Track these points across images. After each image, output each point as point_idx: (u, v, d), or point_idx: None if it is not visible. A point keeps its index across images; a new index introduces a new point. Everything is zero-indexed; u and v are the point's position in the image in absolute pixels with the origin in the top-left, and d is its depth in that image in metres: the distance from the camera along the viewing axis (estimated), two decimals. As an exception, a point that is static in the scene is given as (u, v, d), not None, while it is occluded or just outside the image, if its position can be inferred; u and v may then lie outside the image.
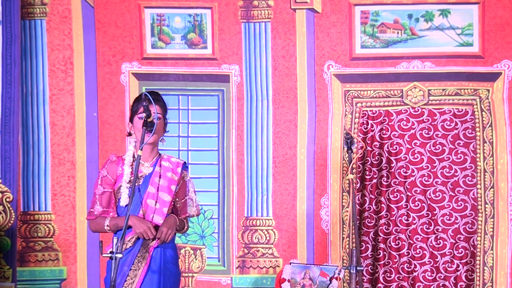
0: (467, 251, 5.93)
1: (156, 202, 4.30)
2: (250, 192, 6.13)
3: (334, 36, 6.11)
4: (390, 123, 6.02)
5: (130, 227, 4.21)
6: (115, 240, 3.92)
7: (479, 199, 5.92)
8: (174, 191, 4.37)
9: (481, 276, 5.92)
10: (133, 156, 4.34)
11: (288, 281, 5.44)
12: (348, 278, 4.24)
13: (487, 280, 5.91)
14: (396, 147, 6.00)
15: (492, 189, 5.91)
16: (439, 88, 6.00)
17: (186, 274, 6.18)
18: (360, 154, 5.95)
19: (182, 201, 4.46)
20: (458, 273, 5.93)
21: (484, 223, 5.92)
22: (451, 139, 5.96)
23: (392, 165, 5.99)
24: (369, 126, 6.03)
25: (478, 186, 5.93)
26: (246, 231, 6.15)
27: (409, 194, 5.96)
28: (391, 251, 5.97)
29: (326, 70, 6.11)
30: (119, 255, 3.89)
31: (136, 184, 4.27)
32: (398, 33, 6.08)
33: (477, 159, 5.93)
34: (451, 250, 5.94)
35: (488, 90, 5.95)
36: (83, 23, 6.21)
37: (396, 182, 5.98)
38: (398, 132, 6.01)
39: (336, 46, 6.11)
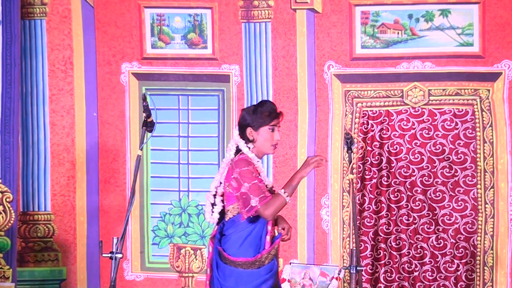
0: (467, 251, 5.93)
1: None
2: (250, 192, 6.11)
3: (335, 36, 6.10)
4: (390, 123, 6.01)
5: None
6: (115, 240, 3.91)
7: (479, 199, 5.92)
8: None
9: (481, 276, 5.92)
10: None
11: (288, 281, 5.44)
12: (348, 278, 4.23)
13: (487, 280, 5.91)
14: (396, 147, 5.99)
15: (492, 189, 5.91)
16: (439, 88, 6.00)
17: (186, 274, 6.18)
18: (360, 154, 5.94)
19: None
20: (458, 273, 5.93)
21: (484, 223, 5.91)
22: (451, 139, 5.96)
23: (393, 165, 5.99)
24: (369, 126, 6.03)
25: (478, 186, 5.93)
26: (246, 231, 6.13)
27: (410, 194, 5.96)
28: (392, 251, 5.97)
29: (327, 70, 6.10)
30: (119, 255, 3.88)
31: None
32: (398, 33, 6.08)
33: (477, 159, 5.93)
34: (451, 250, 5.94)
35: (489, 90, 5.94)
36: (83, 23, 6.21)
37: (396, 182, 5.98)
38: (398, 132, 6.00)
39: (336, 46, 6.10)
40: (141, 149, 4.12)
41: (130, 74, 6.24)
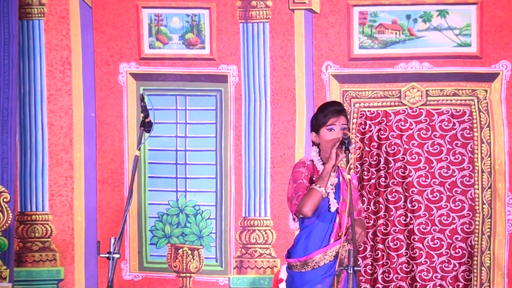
0: (464, 251, 5.93)
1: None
2: (248, 193, 6.13)
3: (333, 36, 6.11)
4: (388, 124, 6.02)
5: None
6: (112, 241, 3.91)
7: (477, 199, 5.93)
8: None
9: (478, 276, 5.92)
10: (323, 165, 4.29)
11: (286, 281, 5.43)
12: (345, 278, 4.24)
13: (484, 280, 5.91)
14: (394, 148, 6.00)
15: (489, 190, 5.91)
16: (437, 88, 6.01)
17: (184, 275, 6.18)
18: (358, 154, 5.95)
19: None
20: (456, 273, 5.94)
21: (481, 224, 5.92)
22: (449, 140, 5.96)
23: (390, 165, 5.99)
24: (367, 127, 6.04)
25: (476, 186, 5.93)
26: (244, 231, 6.15)
27: (407, 194, 5.96)
28: (390, 251, 5.98)
29: (324, 70, 6.11)
30: (117, 255, 3.88)
31: (332, 192, 4.24)
32: (396, 33, 6.08)
33: (475, 160, 5.93)
34: (448, 250, 5.94)
35: (486, 91, 5.95)
36: (81, 23, 6.21)
37: (394, 182, 5.98)
38: (396, 132, 6.01)
39: (334, 46, 6.11)
40: (139, 149, 4.12)
41: (128, 75, 6.24)
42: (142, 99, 4.15)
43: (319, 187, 4.12)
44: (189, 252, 6.18)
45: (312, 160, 4.36)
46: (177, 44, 6.25)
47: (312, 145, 4.37)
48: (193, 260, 6.17)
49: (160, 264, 6.22)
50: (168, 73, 6.23)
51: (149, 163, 6.24)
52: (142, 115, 4.15)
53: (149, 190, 6.23)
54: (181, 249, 6.19)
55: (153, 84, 6.22)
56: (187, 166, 6.22)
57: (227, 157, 6.16)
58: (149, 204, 6.24)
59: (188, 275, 6.17)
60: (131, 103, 6.23)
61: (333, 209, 4.21)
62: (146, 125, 4.16)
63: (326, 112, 4.27)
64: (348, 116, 5.94)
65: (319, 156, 4.32)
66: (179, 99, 6.24)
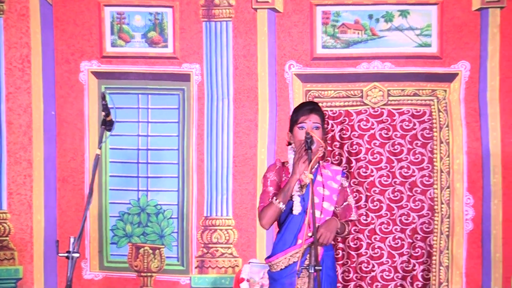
0: (423, 251, 5.98)
1: (321, 212, 4.20)
2: (210, 192, 6.12)
3: (295, 36, 6.12)
4: (350, 123, 6.04)
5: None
6: (72, 240, 3.88)
7: (436, 199, 5.98)
8: (336, 200, 4.30)
9: (437, 275, 5.97)
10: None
11: (247, 280, 5.44)
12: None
13: (442, 280, 5.97)
14: (356, 147, 6.03)
15: (448, 189, 5.97)
16: (398, 88, 6.05)
17: (145, 274, 6.16)
18: (320, 154, 5.95)
19: (341, 207, 4.34)
20: (415, 272, 5.98)
21: (440, 223, 5.97)
22: (409, 140, 6.00)
23: (352, 165, 6.02)
24: (329, 126, 6.06)
25: (435, 186, 5.98)
26: (206, 230, 6.13)
27: (368, 194, 5.99)
28: (350, 251, 6.01)
29: (287, 69, 6.12)
30: (76, 255, 3.85)
31: (300, 194, 4.18)
32: (358, 33, 6.11)
33: (434, 160, 5.98)
34: (408, 250, 5.99)
35: (445, 91, 6.01)
36: (41, 21, 6.15)
37: (355, 182, 6.01)
38: (358, 132, 6.04)
39: (297, 46, 6.12)
40: (100, 148, 4.09)
41: (89, 73, 6.19)
42: (103, 98, 4.11)
43: (279, 202, 4.14)
44: (151, 251, 6.16)
45: (283, 162, 4.35)
46: (140, 43, 6.22)
47: (287, 145, 4.36)
48: (155, 259, 6.15)
49: (121, 263, 6.19)
50: (130, 72, 6.20)
51: (110, 162, 6.20)
52: (103, 113, 4.12)
53: (110, 189, 6.19)
54: (142, 249, 6.16)
55: (115, 82, 6.18)
56: (149, 165, 6.20)
57: (189, 156, 6.14)
58: (110, 203, 6.20)
59: (149, 274, 6.14)
60: (92, 101, 6.18)
61: (295, 212, 4.21)
62: (107, 124, 4.12)
63: (296, 111, 4.28)
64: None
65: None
66: (141, 98, 6.21)
